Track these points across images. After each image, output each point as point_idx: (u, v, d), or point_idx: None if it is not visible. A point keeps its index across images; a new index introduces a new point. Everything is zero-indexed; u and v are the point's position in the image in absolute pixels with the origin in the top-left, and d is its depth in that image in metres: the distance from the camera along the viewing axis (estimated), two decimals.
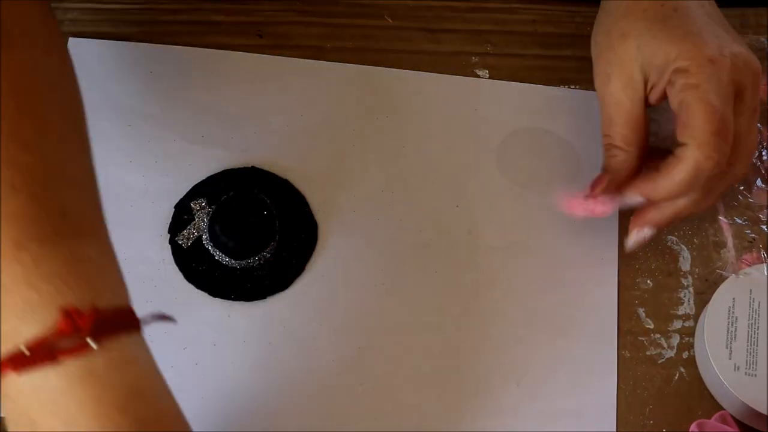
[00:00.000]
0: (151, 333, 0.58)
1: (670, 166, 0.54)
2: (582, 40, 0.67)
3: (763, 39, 0.67)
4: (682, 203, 0.56)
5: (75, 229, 0.42)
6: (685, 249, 0.62)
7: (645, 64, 0.55)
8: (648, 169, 0.57)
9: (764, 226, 0.62)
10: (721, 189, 0.58)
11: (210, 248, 0.60)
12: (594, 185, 0.58)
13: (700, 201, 0.57)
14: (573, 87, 0.66)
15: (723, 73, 0.53)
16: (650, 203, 0.57)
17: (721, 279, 0.59)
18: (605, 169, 0.58)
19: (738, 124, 0.55)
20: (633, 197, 0.57)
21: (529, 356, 0.59)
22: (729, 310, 0.57)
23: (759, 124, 0.63)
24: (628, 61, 0.56)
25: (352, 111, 0.65)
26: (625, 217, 0.62)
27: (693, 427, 0.56)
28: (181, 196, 0.61)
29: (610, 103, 0.57)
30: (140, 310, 0.58)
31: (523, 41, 0.67)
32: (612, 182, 0.57)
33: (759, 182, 0.63)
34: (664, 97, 0.56)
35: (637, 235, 0.58)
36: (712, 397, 0.58)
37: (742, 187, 0.63)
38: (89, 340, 0.40)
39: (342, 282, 0.60)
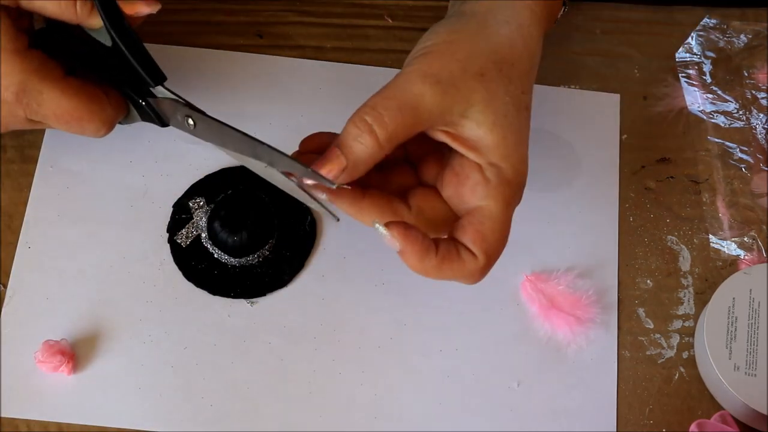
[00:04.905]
0: (152, 334, 0.58)
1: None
2: (582, 40, 0.67)
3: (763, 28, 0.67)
4: None
5: None
6: (685, 249, 0.62)
7: (467, 110, 0.49)
8: None
9: (764, 226, 0.62)
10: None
11: (209, 247, 0.60)
12: (325, 161, 0.49)
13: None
14: (572, 87, 0.66)
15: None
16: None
17: (721, 279, 0.58)
18: (346, 155, 0.50)
19: None
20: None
21: (529, 356, 0.59)
22: (729, 310, 0.57)
23: (759, 113, 0.63)
24: (466, 90, 0.50)
25: (351, 111, 0.65)
26: (625, 217, 0.62)
27: (693, 427, 0.56)
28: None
29: (406, 89, 0.51)
30: (140, 309, 0.59)
31: None
32: (348, 173, 0.49)
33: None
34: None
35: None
36: (712, 397, 0.58)
37: (744, 167, 0.63)
38: None
39: (342, 281, 0.60)
